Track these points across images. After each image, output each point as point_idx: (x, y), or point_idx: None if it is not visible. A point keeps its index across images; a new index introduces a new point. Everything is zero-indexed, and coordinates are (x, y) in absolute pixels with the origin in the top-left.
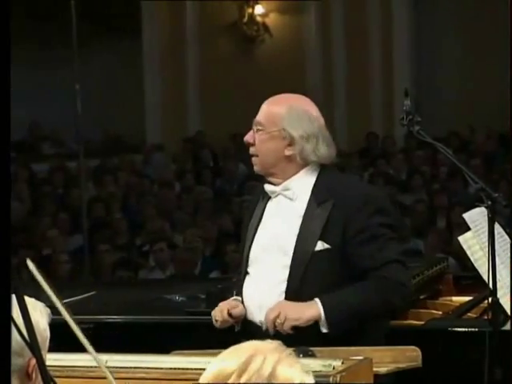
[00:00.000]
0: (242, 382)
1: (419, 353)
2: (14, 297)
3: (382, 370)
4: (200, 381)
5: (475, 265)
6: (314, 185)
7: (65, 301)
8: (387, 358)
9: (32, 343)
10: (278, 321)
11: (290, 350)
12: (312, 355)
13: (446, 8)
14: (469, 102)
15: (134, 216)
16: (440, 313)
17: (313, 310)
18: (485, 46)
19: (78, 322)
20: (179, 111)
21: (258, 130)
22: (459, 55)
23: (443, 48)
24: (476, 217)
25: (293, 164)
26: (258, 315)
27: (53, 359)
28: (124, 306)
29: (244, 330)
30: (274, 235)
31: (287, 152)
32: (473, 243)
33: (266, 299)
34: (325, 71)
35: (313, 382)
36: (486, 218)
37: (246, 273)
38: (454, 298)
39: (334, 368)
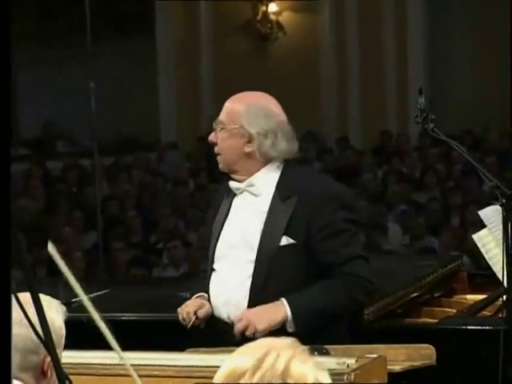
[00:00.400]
0: (255, 379)
1: (433, 351)
2: (28, 295)
3: (396, 368)
4: (214, 378)
5: (490, 263)
6: (278, 180)
7: (79, 299)
8: (401, 356)
9: (47, 341)
10: (248, 333)
11: (304, 347)
12: (326, 353)
13: (460, 6)
14: (482, 101)
15: (147, 214)
16: (454, 311)
17: (280, 313)
18: (498, 44)
19: (93, 320)
20: (193, 109)
21: (219, 129)
22: (473, 54)
23: (457, 46)
24: (490, 214)
25: (254, 160)
26: (224, 311)
27: (68, 357)
28: (138, 304)
29: (211, 326)
30: (240, 231)
31: (247, 149)
32: (487, 241)
33: (233, 295)
34: (339, 69)
35: (328, 378)
36: (501, 215)
37: (212, 269)
38: (469, 296)
39: (348, 366)
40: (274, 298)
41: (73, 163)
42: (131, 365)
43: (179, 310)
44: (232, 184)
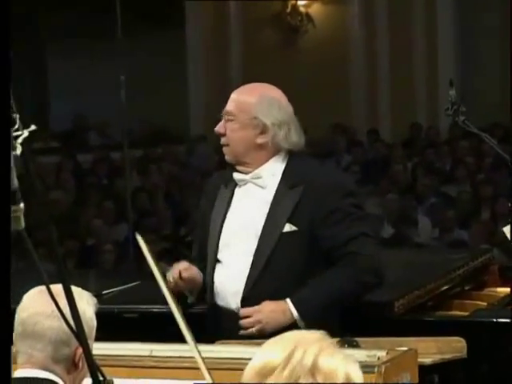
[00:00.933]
0: (285, 375)
1: (464, 344)
2: (59, 287)
3: (427, 361)
4: (245, 372)
5: None
6: (284, 171)
7: (109, 290)
8: (432, 349)
9: (79, 333)
10: (253, 330)
11: (332, 340)
12: (357, 345)
13: None
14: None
15: (177, 206)
16: (485, 304)
17: (287, 317)
18: None
19: (123, 312)
20: (222, 102)
21: (228, 120)
22: (503, 45)
23: (488, 38)
24: None
25: (264, 152)
26: (233, 301)
27: (99, 348)
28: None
29: (216, 315)
30: (244, 221)
31: (259, 140)
32: None
33: (241, 285)
34: (369, 61)
35: (358, 371)
36: None
37: (216, 260)
38: (499, 289)
39: (378, 358)
40: (272, 285)
41: (103, 156)
42: (162, 357)
43: (167, 274)
44: (237, 176)
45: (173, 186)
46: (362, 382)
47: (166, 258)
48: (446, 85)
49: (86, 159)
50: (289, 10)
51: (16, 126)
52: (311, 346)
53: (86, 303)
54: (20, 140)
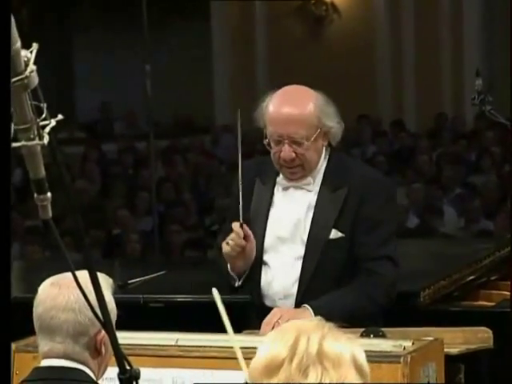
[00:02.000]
0: (294, 366)
1: (491, 334)
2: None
3: (453, 350)
4: (251, 370)
5: None
6: (325, 171)
7: (135, 280)
8: (458, 340)
9: (106, 321)
10: (280, 321)
11: (331, 324)
12: (382, 335)
13: None
14: None
15: (202, 196)
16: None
17: (307, 317)
18: None
19: (149, 301)
20: (248, 93)
21: (294, 142)
22: None
23: None
24: None
25: (321, 155)
26: (284, 305)
27: (124, 337)
28: (194, 286)
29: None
30: (289, 225)
31: (324, 143)
32: None
33: (293, 290)
34: (393, 51)
35: (362, 350)
36: None
37: (262, 262)
38: None
39: (404, 348)
40: (324, 290)
41: (129, 146)
42: (188, 346)
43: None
44: (281, 181)
45: (198, 177)
46: (366, 361)
47: (191, 248)
48: (472, 74)
49: (112, 149)
50: (314, 0)
51: (43, 116)
52: (313, 333)
53: (105, 288)
54: (47, 129)
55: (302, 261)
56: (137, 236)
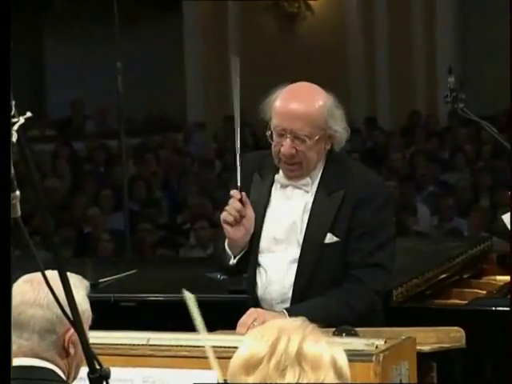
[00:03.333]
0: (272, 365)
1: (463, 334)
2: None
3: (425, 348)
4: (230, 367)
5: None
6: (322, 173)
7: (106, 279)
8: (431, 339)
9: (75, 320)
10: (255, 323)
11: (314, 326)
12: (355, 334)
13: None
14: None
15: (175, 194)
16: (484, 292)
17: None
18: None
19: (120, 301)
20: (220, 90)
21: (296, 138)
22: (506, 29)
23: (490, 22)
24: None
25: (323, 158)
26: (279, 308)
27: (96, 337)
28: (166, 285)
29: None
30: (286, 226)
31: (327, 146)
32: None
33: (288, 294)
34: (367, 49)
35: (343, 355)
36: None
37: (257, 263)
38: (498, 277)
39: (376, 347)
40: (319, 294)
41: (100, 144)
42: (159, 345)
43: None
44: (280, 179)
45: (170, 174)
46: (347, 364)
47: (163, 247)
48: (446, 72)
49: (83, 147)
50: None
51: (12, 113)
52: (294, 333)
53: (74, 287)
54: (16, 127)
55: (297, 264)
56: (108, 235)
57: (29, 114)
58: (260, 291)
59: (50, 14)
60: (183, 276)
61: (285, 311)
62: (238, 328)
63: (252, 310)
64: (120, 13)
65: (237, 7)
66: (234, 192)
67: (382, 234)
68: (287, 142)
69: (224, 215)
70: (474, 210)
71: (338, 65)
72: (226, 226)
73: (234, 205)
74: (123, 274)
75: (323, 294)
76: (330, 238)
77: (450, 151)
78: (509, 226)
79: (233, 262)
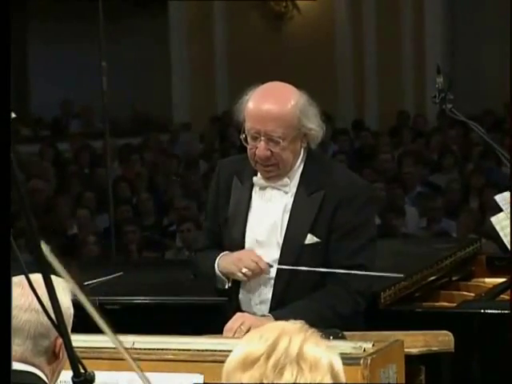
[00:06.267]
0: (270, 363)
1: (451, 337)
2: (36, 276)
3: (414, 350)
4: (226, 364)
5: (508, 246)
6: (302, 172)
7: (91, 282)
8: (419, 343)
9: (59, 325)
10: (242, 328)
11: (314, 330)
12: (342, 337)
13: None
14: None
15: (160, 196)
16: (472, 295)
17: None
18: None
19: (105, 303)
20: (207, 90)
21: (270, 140)
22: (497, 28)
23: (479, 22)
24: (508, 198)
25: (299, 156)
26: (259, 311)
27: (80, 340)
28: (151, 287)
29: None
30: (267, 228)
31: (303, 145)
32: (506, 224)
33: (268, 295)
34: (354, 49)
35: (340, 360)
36: None
37: None
38: (487, 280)
39: (364, 350)
40: (299, 296)
41: (85, 144)
42: (144, 349)
43: (237, 264)
44: (258, 180)
45: (156, 175)
46: (343, 372)
47: (149, 249)
48: (434, 72)
49: (67, 147)
50: None
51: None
52: (296, 334)
53: (62, 291)
54: None
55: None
56: (93, 236)
57: (12, 115)
58: (241, 293)
59: (32, 12)
60: (169, 278)
61: (270, 315)
62: (224, 333)
63: (239, 314)
64: (105, 11)
65: (223, 6)
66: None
67: (364, 235)
68: (261, 144)
69: (245, 271)
70: (462, 211)
71: (325, 65)
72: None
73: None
74: (108, 277)
75: (305, 297)
76: (310, 239)
77: (439, 152)
78: (498, 228)
79: (229, 285)
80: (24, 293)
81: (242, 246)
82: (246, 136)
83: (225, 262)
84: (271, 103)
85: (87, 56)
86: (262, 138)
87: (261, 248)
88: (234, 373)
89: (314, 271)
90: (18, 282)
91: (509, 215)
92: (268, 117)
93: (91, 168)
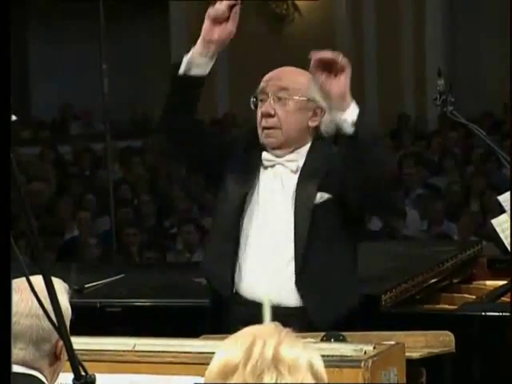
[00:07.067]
0: (248, 370)
1: (452, 338)
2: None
3: (415, 354)
4: (206, 375)
5: (509, 248)
6: (309, 150)
7: (92, 284)
8: (420, 343)
9: (60, 327)
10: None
11: (288, 330)
12: (343, 340)
13: None
14: (506, 81)
15: (161, 198)
16: (474, 297)
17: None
18: None
19: (106, 306)
20: (207, 91)
21: (280, 99)
22: (496, 31)
23: (479, 24)
24: (510, 199)
25: (309, 136)
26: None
27: (81, 343)
28: (153, 290)
29: (228, 311)
30: (276, 210)
31: (312, 123)
32: (507, 226)
33: (276, 280)
34: (355, 50)
35: (319, 357)
36: None
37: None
38: (488, 282)
39: (365, 353)
40: (324, 258)
41: (85, 146)
42: (145, 351)
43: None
44: (266, 156)
45: (157, 177)
46: (324, 368)
47: (150, 251)
48: (435, 74)
49: (68, 150)
50: None
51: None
52: (269, 337)
53: (61, 292)
54: None
55: (292, 246)
56: (94, 239)
57: (13, 117)
58: (249, 282)
59: (33, 14)
60: (170, 281)
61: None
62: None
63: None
64: (105, 12)
65: None
66: None
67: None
68: (268, 101)
69: (213, 9)
70: (463, 213)
71: None
72: (209, 22)
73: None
74: (109, 279)
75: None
76: (320, 197)
77: (440, 154)
78: (499, 231)
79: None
80: (23, 298)
81: (248, 230)
82: (256, 100)
83: None
84: (286, 68)
85: (88, 57)
86: (270, 95)
87: (270, 232)
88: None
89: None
90: (16, 288)
91: (510, 217)
92: (282, 74)
93: (92, 170)
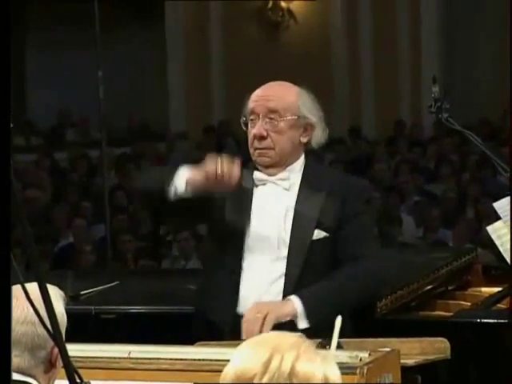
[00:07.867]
0: (264, 382)
1: (448, 344)
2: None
3: (410, 362)
4: (221, 378)
5: (504, 255)
6: (304, 170)
7: (87, 291)
8: (415, 350)
9: (55, 334)
10: (259, 315)
11: (309, 343)
12: (339, 346)
13: None
14: (502, 88)
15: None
16: (469, 304)
17: (289, 307)
18: None
19: (101, 313)
20: (203, 99)
21: (270, 120)
22: (491, 38)
23: (473, 31)
24: (506, 206)
25: (300, 151)
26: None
27: (76, 350)
28: (148, 297)
29: (225, 321)
30: (270, 226)
31: (303, 139)
32: (502, 233)
33: (266, 296)
34: (351, 58)
35: (337, 371)
36: None
37: (240, 267)
38: (483, 289)
39: (360, 360)
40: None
41: (81, 153)
42: (140, 358)
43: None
44: (258, 175)
45: None
46: (341, 379)
47: (145, 258)
48: (430, 81)
49: (64, 157)
50: (270, 5)
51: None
52: (288, 352)
53: (56, 299)
54: None
55: (284, 263)
56: (89, 246)
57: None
58: (244, 296)
59: (30, 21)
60: (165, 288)
61: (292, 298)
62: (244, 326)
63: (254, 304)
64: (101, 20)
65: (220, 16)
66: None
67: (372, 226)
68: (259, 123)
69: (212, 169)
70: (459, 220)
71: (321, 74)
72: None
73: (230, 165)
74: (104, 286)
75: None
76: (318, 234)
77: (435, 161)
78: (494, 237)
79: (186, 193)
80: (19, 304)
81: (242, 243)
82: (246, 120)
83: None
84: (273, 86)
85: (84, 65)
86: (261, 117)
87: (265, 247)
88: None
89: (326, 266)
90: (14, 295)
91: (507, 223)
92: (269, 94)
93: (88, 177)
